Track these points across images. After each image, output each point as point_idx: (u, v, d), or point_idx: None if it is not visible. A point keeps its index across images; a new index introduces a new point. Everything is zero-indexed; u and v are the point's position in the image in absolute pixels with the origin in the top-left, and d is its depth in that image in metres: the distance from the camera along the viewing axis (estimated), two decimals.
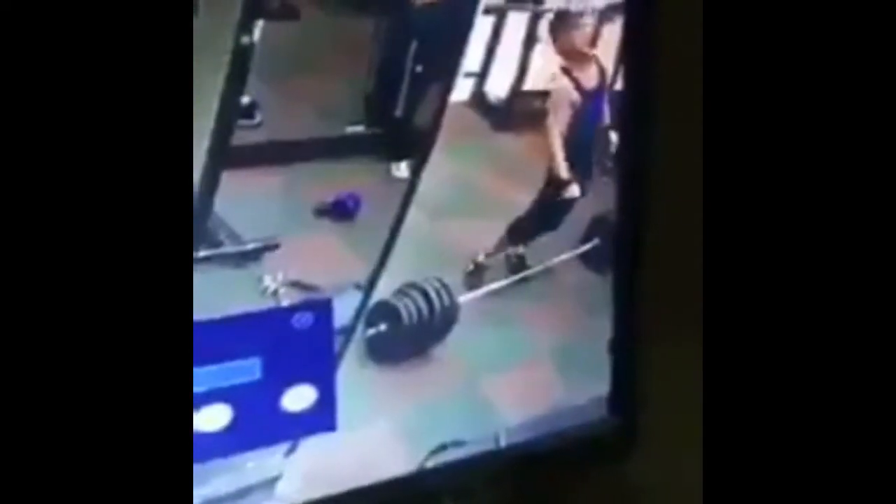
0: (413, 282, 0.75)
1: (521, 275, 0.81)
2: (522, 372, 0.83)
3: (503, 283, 0.80)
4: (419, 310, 0.76)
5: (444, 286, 0.77)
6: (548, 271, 0.82)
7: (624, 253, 0.85)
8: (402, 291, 0.75)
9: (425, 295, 0.76)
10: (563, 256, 0.83)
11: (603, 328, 0.86)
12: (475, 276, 0.79)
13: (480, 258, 0.79)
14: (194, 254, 0.64)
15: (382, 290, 0.74)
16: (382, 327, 0.75)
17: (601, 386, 0.87)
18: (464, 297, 0.78)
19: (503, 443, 0.83)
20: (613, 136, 0.83)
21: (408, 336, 0.76)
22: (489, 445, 0.82)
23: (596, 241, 0.84)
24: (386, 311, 0.75)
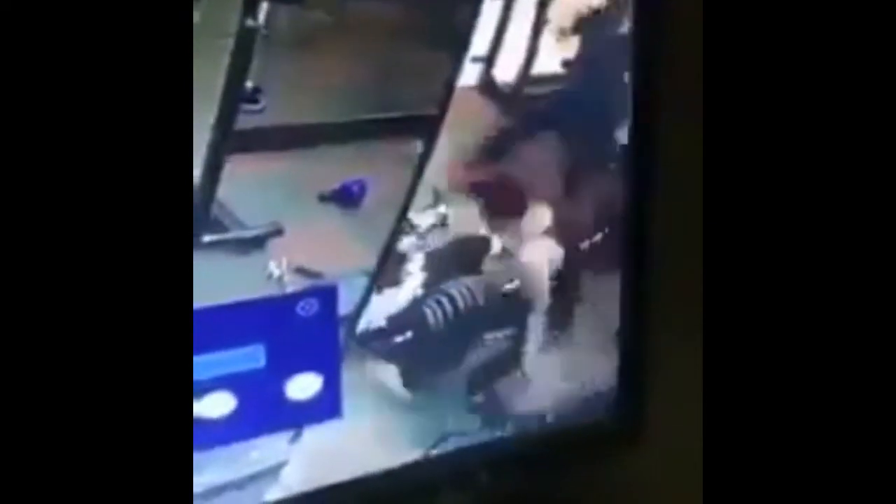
0: None
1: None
2: (528, 363, 0.82)
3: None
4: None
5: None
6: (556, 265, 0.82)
7: (631, 247, 0.85)
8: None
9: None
10: (572, 250, 0.82)
11: (609, 321, 0.85)
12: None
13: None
14: (198, 240, 0.64)
15: (388, 279, 0.73)
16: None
17: (607, 379, 0.86)
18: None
19: (508, 433, 0.82)
20: (621, 126, 0.82)
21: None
22: (494, 436, 0.81)
23: (603, 233, 0.83)
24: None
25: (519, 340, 0.81)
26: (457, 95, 0.72)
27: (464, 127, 0.74)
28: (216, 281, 0.65)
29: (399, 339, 0.75)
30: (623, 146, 0.82)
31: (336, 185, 0.69)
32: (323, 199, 0.68)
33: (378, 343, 0.74)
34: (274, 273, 0.68)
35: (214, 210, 0.64)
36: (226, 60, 0.62)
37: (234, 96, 0.63)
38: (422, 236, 0.74)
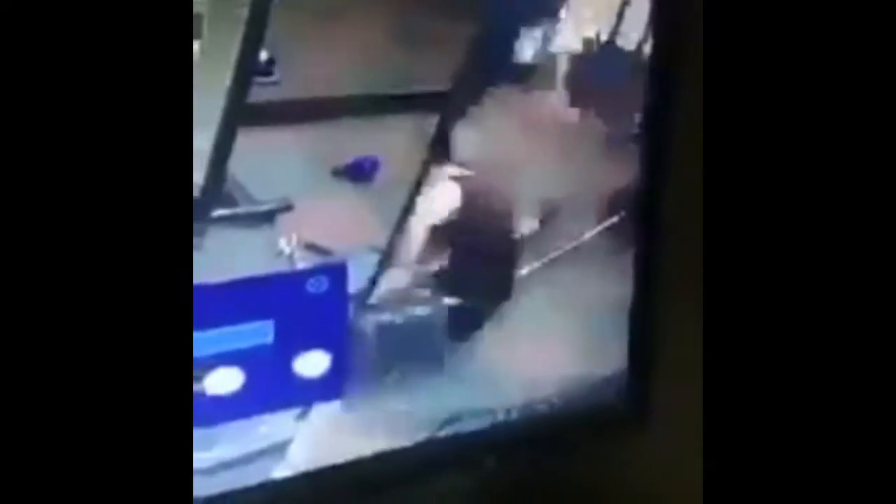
0: None
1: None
2: (537, 346, 0.82)
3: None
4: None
5: None
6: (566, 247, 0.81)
7: (641, 231, 0.84)
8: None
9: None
10: (583, 232, 0.82)
11: (619, 306, 0.85)
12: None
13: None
14: (208, 214, 0.63)
15: (400, 256, 0.72)
16: (396, 292, 0.73)
17: (613, 363, 0.86)
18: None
19: (514, 416, 0.82)
20: (640, 107, 0.82)
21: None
22: (500, 418, 0.81)
23: (617, 216, 0.83)
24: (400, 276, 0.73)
25: (529, 322, 0.81)
26: (476, 70, 0.71)
27: (482, 101, 0.73)
28: (226, 256, 0.65)
29: (407, 316, 0.74)
30: (637, 128, 0.82)
31: (349, 161, 0.68)
32: (336, 174, 0.68)
33: (386, 321, 0.73)
34: (284, 249, 0.67)
35: (225, 184, 0.64)
36: (240, 31, 0.61)
37: (248, 68, 0.62)
38: (434, 213, 0.73)
